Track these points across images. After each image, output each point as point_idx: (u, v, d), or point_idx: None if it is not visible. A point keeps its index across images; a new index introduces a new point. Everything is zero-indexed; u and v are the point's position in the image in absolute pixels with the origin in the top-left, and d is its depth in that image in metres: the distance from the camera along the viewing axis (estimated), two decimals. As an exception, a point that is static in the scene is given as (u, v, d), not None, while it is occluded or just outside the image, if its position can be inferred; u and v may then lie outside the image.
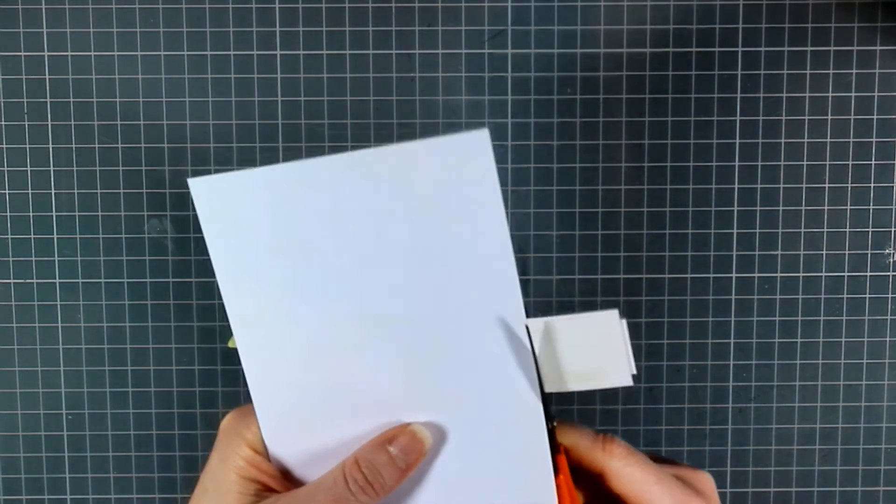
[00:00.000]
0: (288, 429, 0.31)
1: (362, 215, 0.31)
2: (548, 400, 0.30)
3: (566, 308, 0.45)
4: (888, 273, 0.45)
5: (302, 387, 0.31)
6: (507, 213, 0.44)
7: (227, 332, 0.45)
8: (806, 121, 0.44)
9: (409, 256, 0.31)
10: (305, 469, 0.31)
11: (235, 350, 0.31)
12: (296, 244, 0.30)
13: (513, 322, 0.31)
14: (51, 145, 0.44)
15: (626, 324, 0.28)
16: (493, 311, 0.31)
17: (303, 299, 0.31)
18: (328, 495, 0.28)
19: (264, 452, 0.31)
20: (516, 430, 0.32)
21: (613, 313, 0.28)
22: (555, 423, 0.31)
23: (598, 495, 0.31)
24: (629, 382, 0.28)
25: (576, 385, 0.29)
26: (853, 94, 0.44)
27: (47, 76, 0.44)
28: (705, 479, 0.30)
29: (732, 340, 0.45)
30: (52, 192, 0.44)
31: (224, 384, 0.45)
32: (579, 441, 0.31)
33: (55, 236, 0.44)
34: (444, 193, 0.31)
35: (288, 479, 0.31)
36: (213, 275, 0.29)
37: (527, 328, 0.30)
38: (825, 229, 0.45)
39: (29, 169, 0.44)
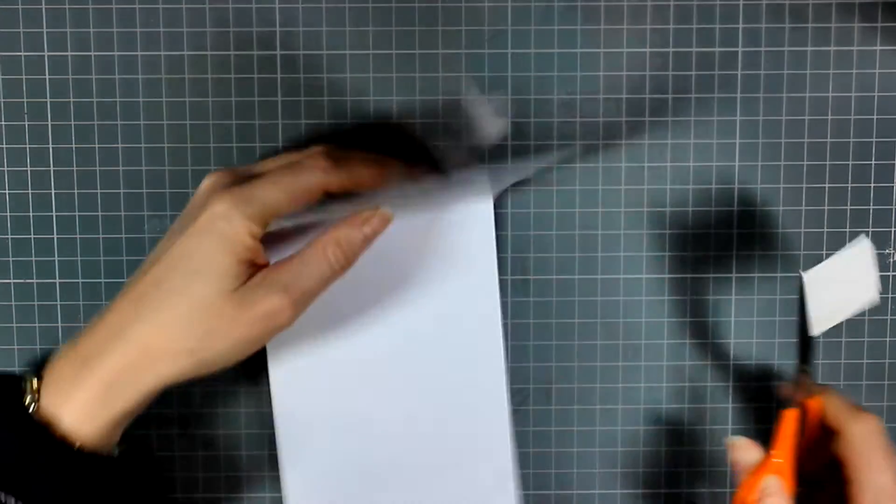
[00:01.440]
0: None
1: (365, 280, 0.38)
2: (810, 344, 0.37)
3: (566, 308, 0.45)
4: (888, 273, 0.45)
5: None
6: (507, 213, 0.44)
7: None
8: (806, 121, 0.44)
9: (406, 318, 0.40)
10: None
11: None
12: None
13: (492, 373, 0.41)
14: (51, 145, 0.44)
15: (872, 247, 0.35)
16: (477, 365, 0.42)
17: (325, 345, 0.41)
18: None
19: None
20: (483, 439, 0.41)
21: (864, 241, 0.35)
22: (806, 369, 0.37)
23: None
24: (878, 301, 0.37)
25: (840, 317, 0.36)
26: (853, 95, 0.44)
27: (47, 76, 0.44)
28: None
29: (733, 340, 0.45)
30: (52, 192, 0.44)
31: (223, 384, 0.45)
32: (835, 404, 0.35)
33: (55, 236, 0.44)
34: (443, 258, 0.40)
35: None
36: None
37: (801, 281, 0.36)
38: (825, 229, 0.45)
39: (29, 169, 0.44)
